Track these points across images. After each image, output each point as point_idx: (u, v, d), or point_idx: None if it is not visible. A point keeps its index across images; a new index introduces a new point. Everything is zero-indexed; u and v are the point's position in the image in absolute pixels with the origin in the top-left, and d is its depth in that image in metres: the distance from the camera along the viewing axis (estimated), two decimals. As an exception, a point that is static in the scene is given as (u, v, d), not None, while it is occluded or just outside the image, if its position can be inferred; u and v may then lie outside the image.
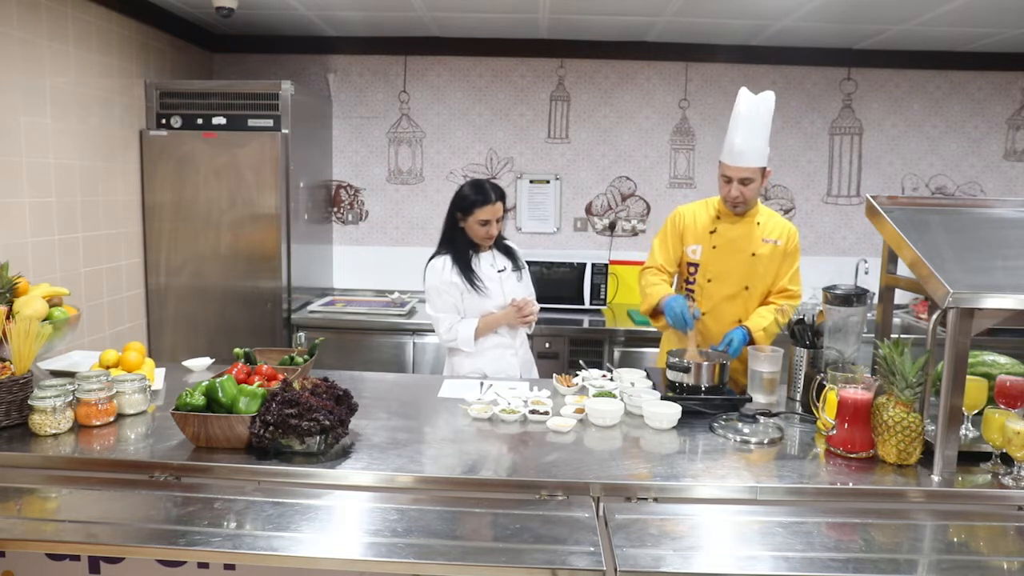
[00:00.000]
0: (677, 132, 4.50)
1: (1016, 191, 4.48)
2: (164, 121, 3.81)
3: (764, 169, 2.62)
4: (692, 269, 2.78)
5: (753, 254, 2.69)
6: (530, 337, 2.94)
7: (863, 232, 4.53)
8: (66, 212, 3.19)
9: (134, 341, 2.43)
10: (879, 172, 4.52)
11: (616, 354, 3.86)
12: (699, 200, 2.87)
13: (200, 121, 3.80)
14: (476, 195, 2.67)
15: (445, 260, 2.75)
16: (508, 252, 2.89)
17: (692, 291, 2.78)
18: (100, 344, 3.39)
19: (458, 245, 2.75)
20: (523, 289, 2.87)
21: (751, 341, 2.59)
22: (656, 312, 2.72)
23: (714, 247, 2.73)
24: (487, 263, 2.80)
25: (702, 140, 4.48)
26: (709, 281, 2.73)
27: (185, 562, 1.60)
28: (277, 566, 1.53)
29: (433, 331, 3.85)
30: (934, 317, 1.74)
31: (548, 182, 4.54)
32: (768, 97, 2.57)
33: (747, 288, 2.71)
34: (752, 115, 2.55)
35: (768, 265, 2.70)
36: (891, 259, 2.11)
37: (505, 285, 2.80)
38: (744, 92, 2.59)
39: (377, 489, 1.69)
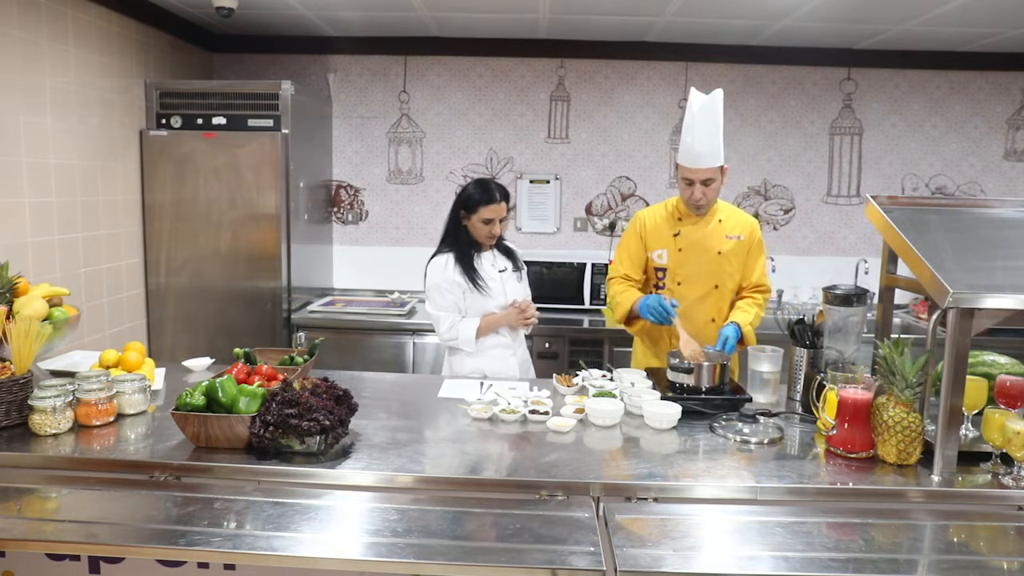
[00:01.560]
0: (677, 132, 4.49)
1: (1016, 191, 4.48)
2: (164, 121, 3.81)
3: (723, 167, 2.62)
4: (660, 274, 2.77)
5: (719, 252, 2.70)
6: (529, 338, 2.94)
7: (863, 232, 4.53)
8: (66, 212, 3.19)
9: (134, 341, 2.43)
10: (879, 172, 4.52)
11: (616, 354, 3.86)
12: (658, 203, 2.86)
13: (200, 121, 3.80)
14: (481, 194, 2.67)
15: (448, 258, 2.74)
16: (508, 253, 2.89)
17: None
18: (100, 344, 3.39)
19: (461, 244, 2.75)
20: (523, 290, 2.87)
21: (742, 336, 2.59)
22: (631, 318, 2.75)
23: (680, 249, 2.72)
24: (488, 263, 2.80)
25: (702, 140, 4.48)
26: (679, 284, 2.73)
27: (185, 562, 1.61)
28: (277, 566, 1.53)
29: (433, 331, 3.86)
30: (934, 317, 1.74)
31: (548, 182, 4.54)
32: (717, 95, 2.55)
33: (717, 287, 2.71)
34: (706, 115, 2.54)
35: (734, 261, 2.71)
36: (891, 259, 2.11)
37: (507, 285, 2.80)
38: (695, 93, 2.58)
39: (377, 489, 1.69)
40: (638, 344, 2.93)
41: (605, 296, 4.21)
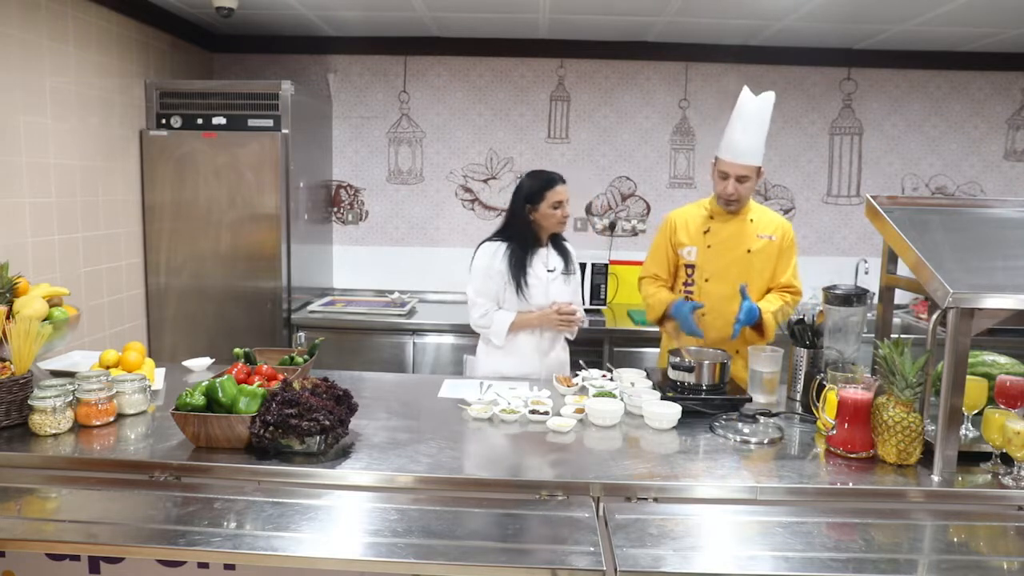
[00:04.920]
0: (677, 132, 4.50)
1: (1016, 191, 4.48)
2: (164, 121, 3.81)
3: (759, 168, 2.64)
4: (689, 271, 2.79)
5: (748, 251, 2.70)
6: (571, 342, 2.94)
7: (863, 232, 4.53)
8: (66, 212, 3.19)
9: (134, 341, 2.43)
10: (879, 172, 4.52)
11: (616, 354, 3.86)
12: (691, 203, 2.89)
13: (200, 121, 3.80)
14: (542, 180, 2.70)
15: (500, 246, 2.73)
16: (564, 253, 2.87)
17: (691, 292, 2.79)
18: (100, 344, 3.39)
19: (519, 238, 2.73)
20: (570, 293, 2.85)
21: (760, 321, 2.59)
22: (664, 318, 2.77)
23: (709, 247, 2.74)
24: (540, 261, 2.78)
25: (702, 140, 4.48)
26: (706, 281, 2.74)
27: (185, 562, 1.60)
28: (277, 566, 1.53)
29: (434, 331, 3.89)
30: (934, 317, 1.74)
31: (548, 182, 4.54)
32: (768, 97, 2.61)
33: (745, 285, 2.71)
34: (754, 114, 2.59)
35: (764, 261, 2.71)
36: (891, 259, 2.11)
37: (550, 287, 2.78)
38: (747, 91, 2.63)
39: (377, 489, 1.69)
40: (665, 340, 2.95)
41: (605, 296, 4.22)
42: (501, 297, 2.74)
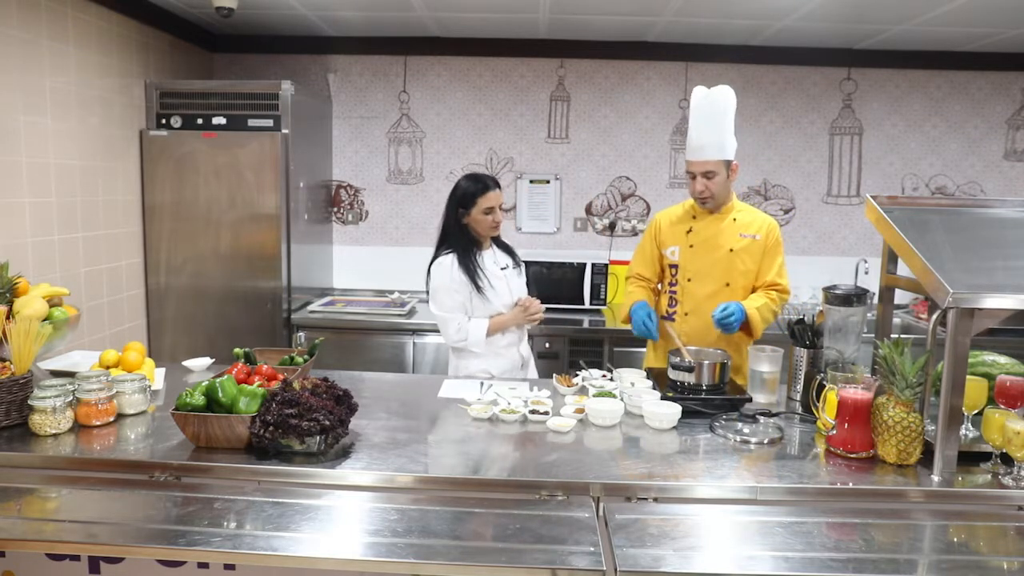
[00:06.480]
0: (677, 132, 4.50)
1: (1016, 191, 4.48)
2: (164, 121, 3.81)
3: (730, 163, 2.64)
4: (673, 271, 2.80)
5: (731, 250, 2.70)
6: (530, 337, 2.94)
7: (863, 232, 4.53)
8: (66, 212, 3.19)
9: (134, 341, 2.43)
10: (879, 172, 4.52)
11: (616, 354, 3.86)
12: (677, 204, 2.90)
13: (200, 121, 3.80)
14: (475, 185, 2.66)
15: (452, 258, 2.69)
16: (507, 249, 2.89)
17: (675, 292, 2.79)
18: (100, 344, 3.39)
19: (462, 243, 2.70)
20: (523, 286, 2.87)
21: (746, 319, 2.58)
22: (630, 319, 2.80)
23: (691, 246, 2.75)
24: (490, 260, 2.77)
25: (702, 140, 4.48)
26: (689, 280, 2.75)
27: (185, 562, 1.61)
28: (277, 566, 1.53)
29: (434, 331, 3.88)
30: (934, 317, 1.74)
31: (548, 182, 4.54)
32: (723, 91, 2.61)
33: (728, 285, 2.71)
34: (707, 109, 2.61)
35: (747, 260, 2.70)
36: (891, 259, 2.11)
37: (511, 283, 2.79)
38: (698, 88, 2.66)
39: (377, 489, 1.69)
40: (651, 344, 2.95)
41: (605, 296, 4.22)
42: (468, 307, 2.71)
